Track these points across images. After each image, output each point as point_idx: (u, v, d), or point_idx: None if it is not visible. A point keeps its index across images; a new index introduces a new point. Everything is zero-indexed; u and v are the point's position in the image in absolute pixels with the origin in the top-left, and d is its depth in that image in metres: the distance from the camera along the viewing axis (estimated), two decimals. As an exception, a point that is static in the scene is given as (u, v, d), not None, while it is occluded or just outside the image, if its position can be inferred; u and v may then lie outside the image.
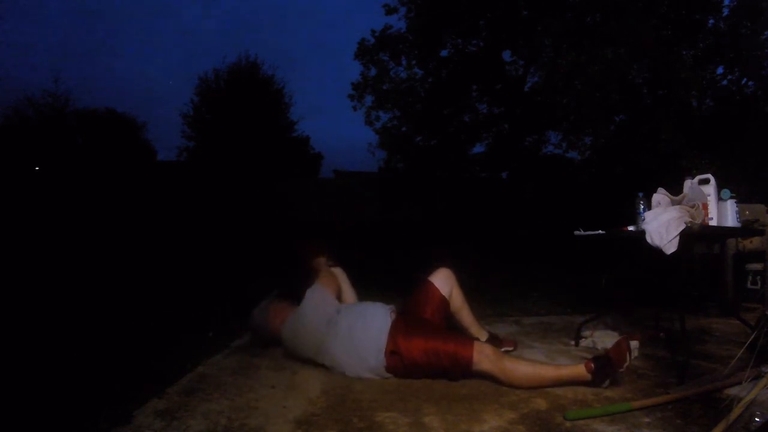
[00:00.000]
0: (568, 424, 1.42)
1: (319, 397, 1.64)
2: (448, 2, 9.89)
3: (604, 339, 2.28)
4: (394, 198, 12.52)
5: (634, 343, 1.82)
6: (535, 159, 11.74)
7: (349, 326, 1.88)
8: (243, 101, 15.79)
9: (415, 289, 2.15)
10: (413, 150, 11.95)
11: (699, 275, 3.17)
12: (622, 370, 1.71)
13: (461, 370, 1.74)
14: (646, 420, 1.45)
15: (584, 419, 1.44)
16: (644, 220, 1.98)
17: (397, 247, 6.83)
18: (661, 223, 1.87)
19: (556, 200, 11.37)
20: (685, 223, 1.85)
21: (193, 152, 16.74)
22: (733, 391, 1.59)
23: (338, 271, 2.27)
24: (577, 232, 2.31)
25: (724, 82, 12.71)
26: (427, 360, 1.77)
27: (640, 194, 2.17)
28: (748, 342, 1.76)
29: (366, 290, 2.37)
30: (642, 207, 2.13)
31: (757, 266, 3.13)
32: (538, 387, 1.69)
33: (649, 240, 1.90)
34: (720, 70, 12.61)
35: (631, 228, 2.18)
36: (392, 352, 1.80)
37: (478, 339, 2.02)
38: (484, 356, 1.71)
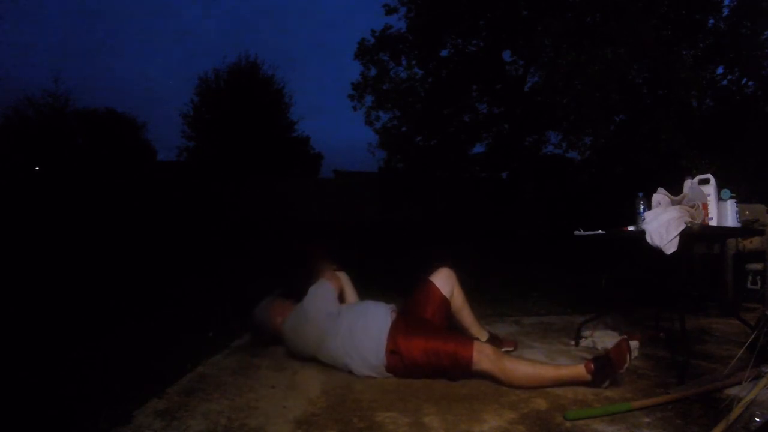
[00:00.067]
0: (568, 424, 1.42)
1: (319, 397, 1.64)
2: (448, 2, 9.89)
3: (604, 339, 2.28)
4: (394, 198, 12.52)
5: (634, 343, 1.82)
6: (535, 159, 11.73)
7: (350, 325, 1.89)
8: (243, 101, 15.78)
9: (415, 289, 2.15)
10: (413, 150, 11.95)
11: (699, 275, 3.17)
12: (622, 371, 1.71)
13: (461, 370, 1.74)
14: (646, 420, 1.45)
15: (584, 419, 1.44)
16: (644, 220, 1.98)
17: (397, 247, 6.82)
18: (661, 223, 1.87)
19: (556, 200, 11.36)
20: (685, 223, 1.85)
21: (193, 152, 16.74)
22: (733, 391, 1.59)
23: (342, 275, 2.28)
24: (577, 232, 2.31)
25: (724, 82, 12.73)
26: (428, 360, 1.77)
27: (640, 194, 2.17)
28: (748, 342, 1.76)
29: (366, 290, 2.37)
30: (642, 207, 2.13)
31: (757, 266, 3.13)
32: (538, 387, 1.69)
33: (649, 240, 1.90)
34: (720, 70, 12.63)
35: (631, 228, 2.18)
36: (392, 352, 1.80)
37: (478, 339, 2.02)
38: (484, 356, 1.71)
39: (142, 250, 5.74)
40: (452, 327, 2.14)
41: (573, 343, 2.36)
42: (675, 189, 2.08)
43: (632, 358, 1.73)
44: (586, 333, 2.38)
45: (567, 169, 12.61)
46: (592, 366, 1.67)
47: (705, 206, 2.02)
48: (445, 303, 2.10)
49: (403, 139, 11.66)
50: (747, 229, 2.45)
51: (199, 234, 7.81)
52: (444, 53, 11.47)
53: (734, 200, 2.04)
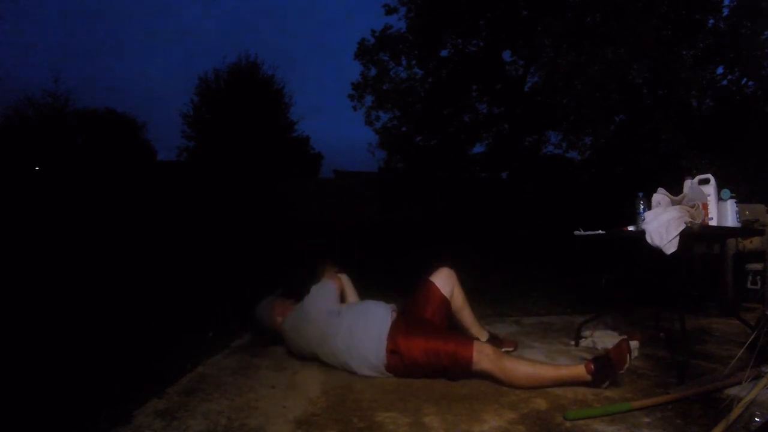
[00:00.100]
0: (568, 424, 1.42)
1: (319, 397, 1.64)
2: (448, 2, 9.89)
3: (604, 339, 2.28)
4: (394, 198, 12.52)
5: (634, 343, 1.82)
6: (535, 159, 11.74)
7: (351, 324, 1.89)
8: (243, 101, 15.79)
9: (415, 289, 2.15)
10: (413, 150, 11.95)
11: (699, 275, 3.16)
12: (622, 371, 1.71)
13: (461, 370, 1.74)
14: (646, 420, 1.45)
15: (584, 419, 1.44)
16: (644, 220, 1.98)
17: (397, 247, 6.82)
18: (661, 223, 1.87)
19: (556, 200, 11.36)
20: (685, 223, 1.85)
21: (193, 152, 16.75)
22: (733, 391, 1.59)
23: (343, 277, 2.29)
24: (577, 232, 2.30)
25: (724, 82, 12.73)
26: (428, 360, 1.77)
27: (640, 194, 2.17)
28: (748, 342, 1.76)
29: (366, 290, 2.37)
30: (642, 207, 2.13)
31: (757, 266, 3.13)
32: (538, 387, 1.69)
33: (649, 240, 1.90)
34: (720, 70, 12.63)
35: (631, 228, 2.18)
36: (392, 352, 1.80)
37: (478, 339, 2.02)
38: (484, 356, 1.71)
39: (142, 250, 5.74)
40: (452, 327, 2.14)
41: (573, 343, 2.35)
42: (675, 189, 2.08)
43: (632, 358, 1.73)
44: (586, 333, 2.38)
45: (567, 169, 12.61)
46: (592, 366, 1.67)
47: (705, 206, 2.02)
48: (445, 303, 2.10)
49: (403, 139, 11.67)
50: (747, 229, 2.44)
51: (199, 234, 7.81)
52: (444, 53, 11.50)
53: (734, 200, 2.04)
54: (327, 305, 2.01)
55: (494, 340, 2.15)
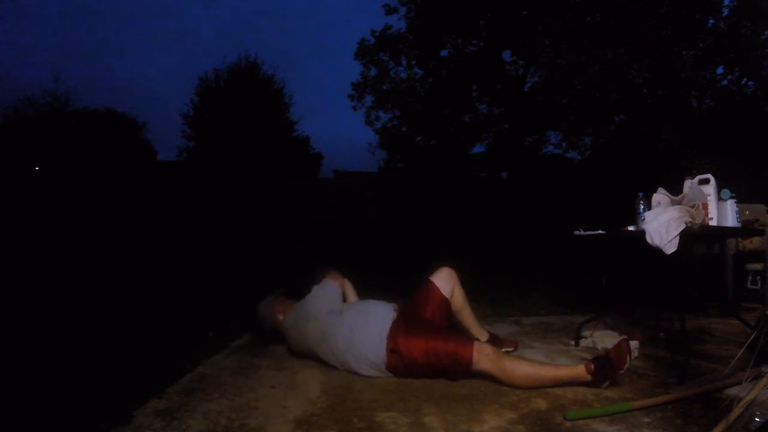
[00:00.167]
0: (568, 424, 1.42)
1: (319, 397, 1.64)
2: (448, 2, 9.88)
3: (604, 339, 2.28)
4: (394, 198, 12.52)
5: (634, 343, 1.83)
6: (535, 159, 11.73)
7: (351, 323, 1.90)
8: (243, 101, 15.79)
9: (415, 289, 2.15)
10: (413, 150, 11.95)
11: (699, 275, 3.17)
12: (622, 371, 1.71)
13: (461, 370, 1.74)
14: (646, 420, 1.45)
15: (584, 419, 1.44)
16: (644, 220, 1.98)
17: (397, 247, 6.82)
18: (661, 223, 1.87)
19: (556, 200, 11.37)
20: (685, 223, 1.85)
21: (193, 152, 16.74)
22: (733, 391, 1.59)
23: (346, 283, 2.29)
24: (577, 232, 2.31)
25: (724, 82, 12.73)
26: (428, 359, 1.77)
27: (640, 194, 2.17)
28: (748, 342, 1.76)
29: (366, 290, 2.37)
30: (642, 207, 2.13)
31: (757, 266, 3.13)
32: (538, 387, 1.69)
33: (649, 240, 1.90)
34: (720, 70, 12.63)
35: (631, 228, 2.18)
36: (392, 351, 1.80)
37: (478, 339, 2.02)
38: (484, 356, 1.71)
39: (142, 250, 5.74)
40: (452, 327, 2.14)
41: (573, 343, 2.36)
42: (675, 189, 2.08)
43: (632, 358, 1.73)
44: (586, 333, 2.38)
45: (567, 169, 12.61)
46: (592, 366, 1.67)
47: (705, 206, 2.02)
48: (445, 303, 2.10)
49: (403, 139, 11.66)
50: (747, 229, 2.44)
51: (199, 234, 7.81)
52: (444, 53, 11.49)
53: (734, 200, 2.04)
54: (328, 304, 2.02)
55: (494, 340, 2.15)
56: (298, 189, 12.62)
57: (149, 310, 2.70)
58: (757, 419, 1.38)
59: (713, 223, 2.03)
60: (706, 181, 2.07)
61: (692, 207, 1.93)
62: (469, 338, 1.92)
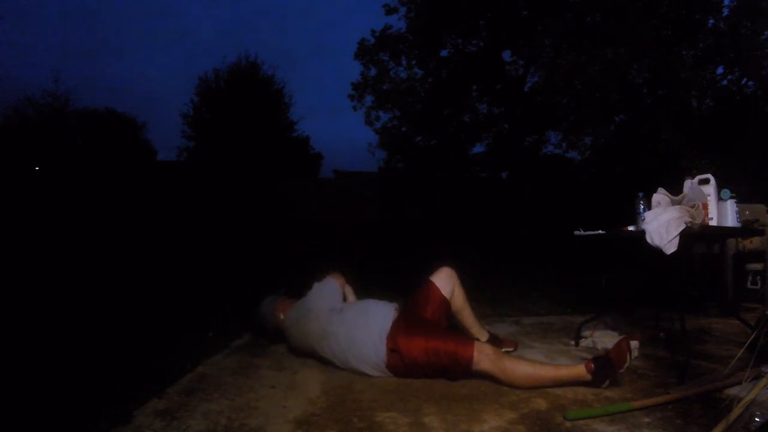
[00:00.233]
0: (568, 424, 1.42)
1: (319, 397, 1.64)
2: (448, 2, 9.88)
3: (604, 339, 2.28)
4: (394, 198, 12.52)
5: (634, 343, 1.82)
6: (535, 159, 11.73)
7: (352, 322, 1.90)
8: (243, 101, 15.79)
9: (416, 289, 2.15)
10: (413, 150, 11.95)
11: (699, 275, 3.16)
12: (622, 370, 1.71)
13: (461, 370, 1.74)
14: (646, 420, 1.45)
15: (584, 419, 1.44)
16: (644, 220, 1.98)
17: (397, 247, 6.82)
18: (661, 223, 1.87)
19: (556, 200, 11.37)
20: (685, 223, 1.85)
21: (193, 152, 16.75)
22: (733, 391, 1.59)
23: (347, 286, 2.29)
24: (577, 232, 2.30)
25: (724, 82, 12.73)
26: (428, 359, 1.77)
27: (640, 194, 2.17)
28: (748, 342, 1.76)
29: (366, 290, 2.37)
30: (642, 207, 2.13)
31: (757, 266, 3.13)
32: (538, 387, 1.69)
33: (649, 240, 1.90)
34: (720, 70, 12.63)
35: (631, 228, 2.18)
36: (393, 351, 1.81)
37: (478, 339, 2.02)
38: (484, 356, 1.71)
39: (142, 250, 5.74)
40: (452, 327, 2.14)
41: (573, 343, 2.35)
42: (675, 189, 2.08)
43: (632, 358, 1.73)
44: (586, 333, 2.38)
45: (567, 169, 12.61)
46: (592, 366, 1.67)
47: (705, 206, 2.02)
48: (445, 303, 2.10)
49: (403, 139, 11.67)
50: (747, 229, 2.44)
51: (199, 234, 7.81)
52: (444, 53, 11.49)
53: (734, 200, 2.04)
54: (329, 301, 2.02)
55: (494, 340, 2.15)
56: (298, 189, 12.62)
57: (149, 310, 2.70)
58: (757, 419, 1.38)
59: (713, 223, 2.03)
60: (706, 181, 2.07)
61: (692, 207, 1.93)
62: (470, 338, 1.92)
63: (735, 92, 12.58)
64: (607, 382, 1.69)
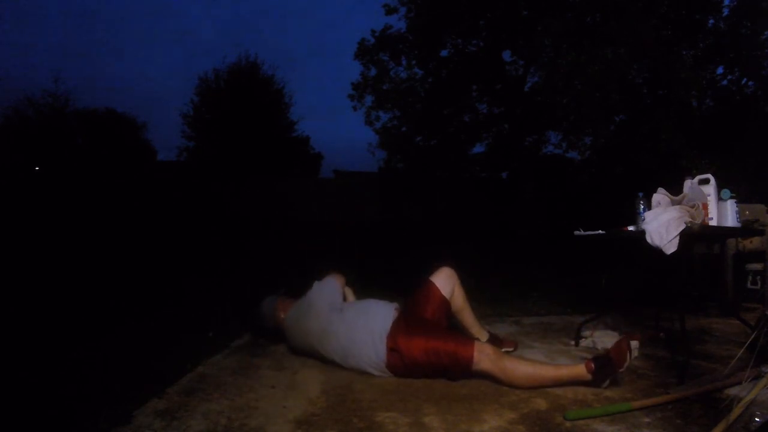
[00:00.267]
0: (568, 424, 1.42)
1: (319, 397, 1.64)
2: (448, 2, 9.89)
3: (604, 339, 2.28)
4: (394, 198, 12.52)
5: (634, 343, 1.82)
6: (535, 159, 11.73)
7: (352, 322, 1.90)
8: (243, 101, 15.79)
9: (416, 289, 2.15)
10: (413, 150, 11.96)
11: (699, 275, 3.17)
12: (622, 370, 1.71)
13: (461, 370, 1.74)
14: (646, 420, 1.45)
15: (584, 419, 1.44)
16: (644, 220, 1.98)
17: (397, 247, 6.82)
18: (661, 223, 1.87)
19: (556, 200, 11.37)
20: (685, 223, 1.85)
21: (193, 152, 16.75)
22: (733, 391, 1.59)
23: (347, 288, 2.29)
24: (577, 232, 2.30)
25: (724, 82, 12.73)
26: (428, 359, 1.77)
27: (640, 194, 2.17)
28: (748, 342, 1.76)
29: (366, 290, 2.37)
30: (642, 207, 2.13)
31: (757, 266, 3.13)
32: (538, 387, 1.69)
33: (649, 240, 1.90)
34: (720, 70, 12.63)
35: (631, 228, 2.18)
36: (393, 350, 1.81)
37: (478, 339, 2.02)
38: (484, 355, 1.71)
39: (142, 250, 5.74)
40: (452, 327, 2.14)
41: (573, 343, 2.36)
42: (675, 189, 2.08)
43: (632, 358, 1.73)
44: (586, 333, 2.38)
45: (567, 169, 12.61)
46: (593, 366, 1.67)
47: (705, 206, 2.02)
48: (445, 303, 2.10)
49: (403, 139, 11.67)
50: (747, 229, 2.44)
51: (199, 234, 7.81)
52: (444, 53, 11.49)
53: (734, 200, 2.04)
54: (329, 299, 2.03)
55: (494, 340, 2.15)
56: (298, 189, 12.62)
57: (149, 310, 2.70)
58: (757, 419, 1.38)
59: (713, 223, 2.03)
60: (706, 181, 2.07)
61: (692, 207, 1.93)
62: (470, 338, 1.92)
63: (735, 92, 12.58)
64: (607, 382, 1.69)
